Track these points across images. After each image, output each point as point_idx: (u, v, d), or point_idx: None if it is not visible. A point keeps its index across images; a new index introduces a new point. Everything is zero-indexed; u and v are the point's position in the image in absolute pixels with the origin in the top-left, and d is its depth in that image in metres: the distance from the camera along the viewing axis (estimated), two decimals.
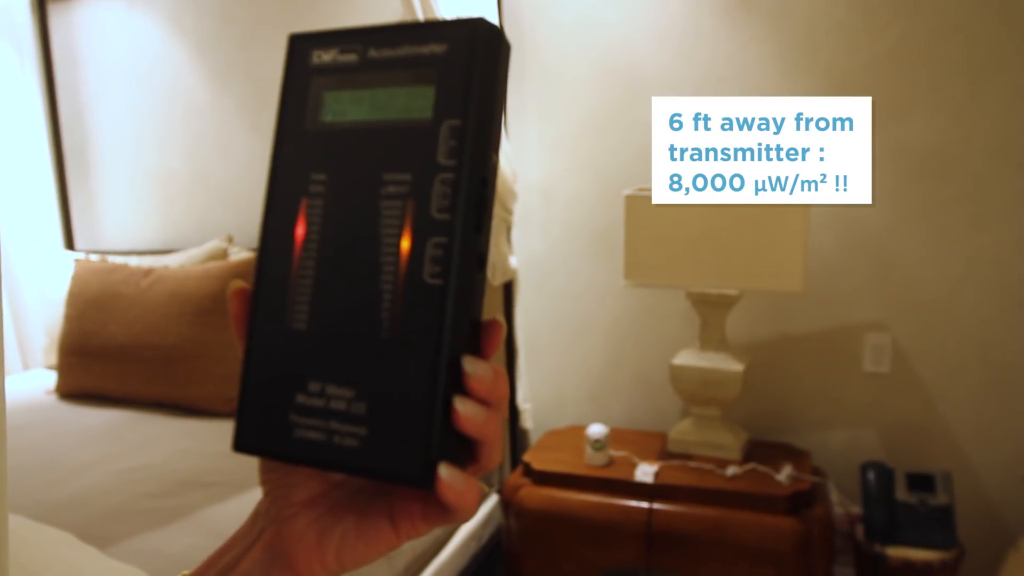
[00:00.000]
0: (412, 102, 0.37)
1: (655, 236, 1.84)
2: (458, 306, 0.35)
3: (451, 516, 0.37)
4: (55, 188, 2.91)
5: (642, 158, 2.18)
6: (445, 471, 0.34)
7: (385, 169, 0.37)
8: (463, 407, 0.35)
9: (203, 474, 1.68)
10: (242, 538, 0.42)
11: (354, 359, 0.36)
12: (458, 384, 0.35)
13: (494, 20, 2.02)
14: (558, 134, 2.28)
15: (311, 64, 0.40)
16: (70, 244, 2.95)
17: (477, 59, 0.36)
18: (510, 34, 2.23)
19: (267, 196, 0.40)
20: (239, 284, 0.40)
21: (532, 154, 2.30)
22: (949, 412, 2.03)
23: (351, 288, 0.36)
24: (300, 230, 0.38)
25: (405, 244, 0.35)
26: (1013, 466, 1.96)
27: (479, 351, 0.37)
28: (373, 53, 0.38)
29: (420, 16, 1.80)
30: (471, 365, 0.36)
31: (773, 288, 1.82)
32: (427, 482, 0.35)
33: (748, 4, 2.05)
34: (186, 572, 0.43)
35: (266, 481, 0.41)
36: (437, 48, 0.36)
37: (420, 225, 0.35)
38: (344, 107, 0.38)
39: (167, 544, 1.35)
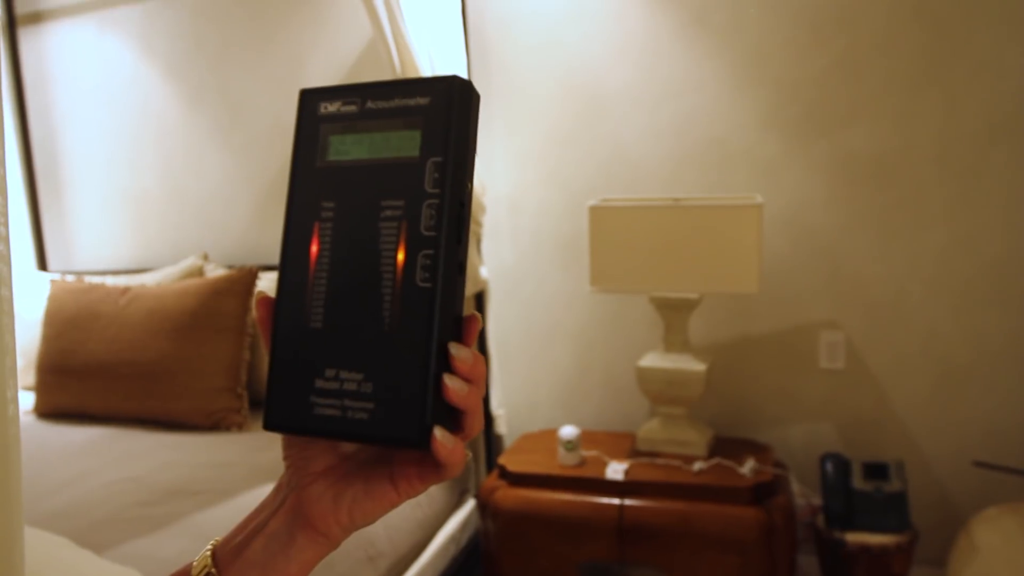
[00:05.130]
0: (403, 143, 0.46)
1: (619, 244, 1.94)
2: (444, 303, 0.44)
3: (442, 473, 0.46)
4: (27, 209, 2.93)
5: (605, 170, 2.28)
6: (439, 432, 0.43)
7: (382, 197, 0.45)
8: (451, 382, 0.44)
9: (189, 483, 1.72)
10: (268, 505, 0.50)
11: (362, 349, 0.44)
12: (446, 365, 0.44)
13: (459, 40, 2.11)
14: (524, 148, 2.36)
15: (319, 113, 0.48)
16: (43, 265, 2.97)
17: (454, 109, 0.45)
18: (475, 52, 2.32)
19: (286, 221, 0.48)
20: (263, 293, 0.49)
21: (500, 167, 2.38)
22: (901, 404, 2.14)
23: (357, 293, 0.45)
24: (314, 248, 0.47)
25: (400, 256, 0.44)
26: (961, 453, 2.08)
27: (461, 339, 0.46)
28: (370, 104, 0.47)
29: (389, 36, 1.88)
30: (456, 349, 0.44)
31: (730, 290, 1.92)
32: (424, 443, 0.43)
33: (702, 21, 2.16)
34: (218, 538, 0.50)
35: (287, 456, 0.49)
36: (422, 100, 0.45)
37: (412, 240, 0.44)
38: (347, 148, 0.47)
39: (159, 548, 1.40)
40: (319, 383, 0.45)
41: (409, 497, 0.47)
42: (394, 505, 0.47)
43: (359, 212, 0.46)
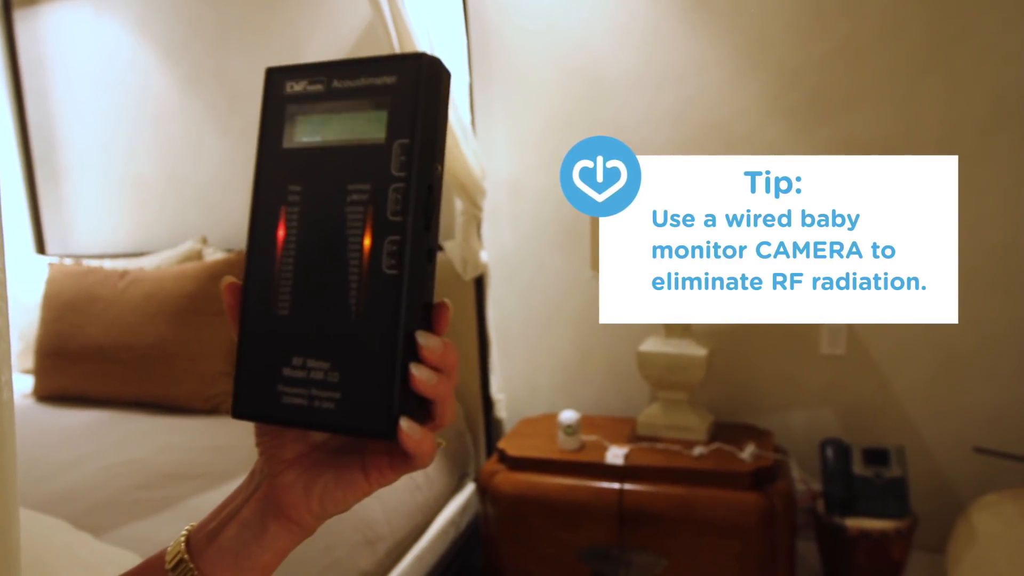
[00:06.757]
0: (369, 124, 0.44)
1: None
2: (412, 291, 0.43)
3: (412, 463, 0.45)
4: (25, 193, 2.92)
5: None
6: (405, 423, 0.42)
7: (349, 180, 0.44)
8: (418, 372, 0.43)
9: (187, 467, 1.72)
10: (241, 492, 0.49)
11: (329, 337, 0.44)
12: (414, 354, 0.43)
13: (460, 24, 2.09)
14: (525, 132, 2.35)
15: (285, 93, 0.47)
16: (41, 249, 2.96)
17: (421, 88, 0.43)
18: (475, 36, 2.30)
19: (252, 205, 0.47)
20: (231, 279, 0.48)
21: (500, 152, 2.37)
22: (902, 390, 2.13)
23: (324, 280, 0.44)
24: (281, 233, 0.45)
25: (367, 242, 0.43)
26: (961, 440, 2.07)
27: (431, 328, 0.45)
28: (336, 84, 0.46)
29: (388, 19, 1.86)
30: (424, 338, 0.43)
31: None
32: (391, 434, 0.42)
33: (704, 5, 2.14)
34: (193, 524, 0.50)
35: (260, 444, 0.49)
36: (389, 79, 0.44)
37: (379, 226, 0.43)
38: (314, 129, 0.46)
39: (157, 532, 1.39)
40: (286, 371, 0.44)
41: (381, 486, 0.47)
42: (366, 494, 0.47)
43: (326, 196, 0.44)
